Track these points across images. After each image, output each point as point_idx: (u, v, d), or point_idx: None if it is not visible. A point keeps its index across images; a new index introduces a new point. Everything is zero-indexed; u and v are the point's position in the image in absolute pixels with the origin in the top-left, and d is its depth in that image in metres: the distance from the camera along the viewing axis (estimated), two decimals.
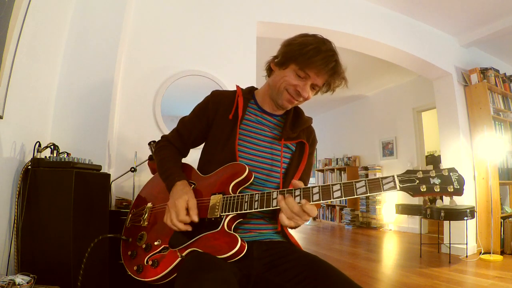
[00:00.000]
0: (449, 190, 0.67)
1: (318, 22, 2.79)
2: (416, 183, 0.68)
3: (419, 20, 3.41)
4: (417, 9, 3.20)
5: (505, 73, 3.91)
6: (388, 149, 5.54)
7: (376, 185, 0.70)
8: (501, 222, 3.28)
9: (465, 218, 2.97)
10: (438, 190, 0.67)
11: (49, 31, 1.68)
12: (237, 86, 1.04)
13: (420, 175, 0.69)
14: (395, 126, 5.43)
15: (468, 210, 2.97)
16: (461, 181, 0.67)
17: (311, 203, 0.74)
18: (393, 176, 0.70)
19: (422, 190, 0.68)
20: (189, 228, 0.84)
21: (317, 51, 0.86)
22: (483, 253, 3.17)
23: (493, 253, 3.12)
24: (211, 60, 2.37)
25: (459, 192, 0.67)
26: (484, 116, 3.46)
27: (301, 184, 0.78)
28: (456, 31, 3.60)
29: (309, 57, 0.86)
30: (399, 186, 0.68)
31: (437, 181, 0.68)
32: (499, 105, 3.69)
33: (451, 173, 0.68)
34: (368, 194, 0.71)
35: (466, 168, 3.43)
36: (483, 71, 3.63)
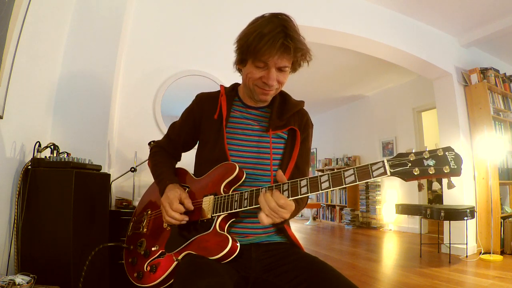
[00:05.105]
0: (445, 171, 0.61)
1: (318, 22, 2.79)
2: (408, 167, 0.63)
3: (419, 20, 3.41)
4: (417, 9, 3.20)
5: (505, 73, 3.91)
6: (388, 149, 5.54)
7: (365, 172, 0.66)
8: (501, 222, 3.28)
9: (465, 218, 2.97)
10: (433, 172, 0.62)
11: (49, 31, 1.67)
12: (221, 86, 1.04)
13: (412, 157, 0.64)
14: (395, 126, 5.43)
15: (468, 210, 2.97)
16: (458, 160, 0.61)
17: (299, 196, 0.72)
18: (382, 161, 0.65)
19: (415, 173, 0.63)
20: (186, 218, 0.85)
21: (259, 37, 0.81)
22: (483, 253, 3.17)
23: (493, 253, 3.12)
24: (211, 60, 2.37)
25: (456, 172, 0.61)
26: (484, 116, 3.46)
27: (284, 179, 0.76)
28: (456, 31, 3.60)
29: (255, 46, 0.81)
30: (390, 171, 0.64)
31: (431, 162, 0.62)
32: (499, 105, 3.69)
33: (446, 153, 0.62)
34: (358, 182, 0.66)
35: (466, 168, 3.43)
36: (483, 71, 3.63)
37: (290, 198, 0.73)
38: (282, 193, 0.73)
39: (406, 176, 0.63)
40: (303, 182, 0.73)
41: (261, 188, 0.77)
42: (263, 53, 0.82)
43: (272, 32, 0.80)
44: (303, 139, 0.99)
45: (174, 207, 0.84)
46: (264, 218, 0.73)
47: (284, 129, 0.97)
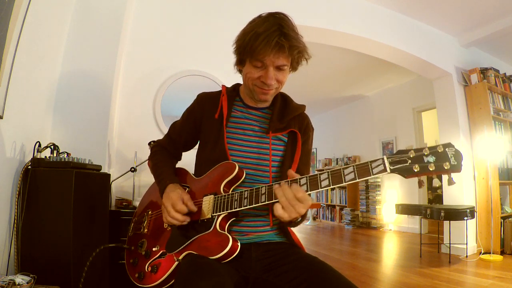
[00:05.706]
0: (445, 167, 0.61)
1: (318, 22, 2.79)
2: (408, 163, 0.63)
3: (419, 20, 3.41)
4: (417, 9, 3.20)
5: (505, 73, 3.91)
6: (388, 149, 5.54)
7: (364, 169, 0.66)
8: (501, 222, 3.28)
9: (465, 218, 2.97)
10: (433, 168, 0.61)
11: (49, 31, 1.67)
12: (223, 86, 1.04)
13: (412, 154, 0.63)
14: (395, 126, 5.43)
15: (468, 210, 2.97)
16: (458, 156, 0.61)
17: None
18: (382, 158, 0.65)
19: (415, 170, 0.62)
20: (188, 219, 0.85)
21: (255, 36, 0.81)
22: (483, 253, 3.17)
23: (493, 253, 3.12)
24: (211, 60, 2.37)
25: (456, 168, 0.61)
26: (484, 116, 3.46)
27: (295, 175, 0.76)
28: (456, 31, 3.60)
29: (251, 46, 0.82)
30: (390, 168, 0.64)
31: (431, 159, 0.62)
32: (499, 105, 3.69)
33: (447, 149, 0.62)
34: (358, 180, 0.66)
35: (466, 168, 3.43)
36: (483, 71, 3.63)
37: None
38: None
39: (406, 173, 0.63)
40: (303, 181, 0.73)
41: (275, 183, 0.77)
42: (258, 52, 0.82)
43: (267, 31, 0.80)
44: (303, 142, 0.99)
45: (178, 207, 0.84)
46: (280, 210, 0.72)
47: (284, 132, 0.97)
